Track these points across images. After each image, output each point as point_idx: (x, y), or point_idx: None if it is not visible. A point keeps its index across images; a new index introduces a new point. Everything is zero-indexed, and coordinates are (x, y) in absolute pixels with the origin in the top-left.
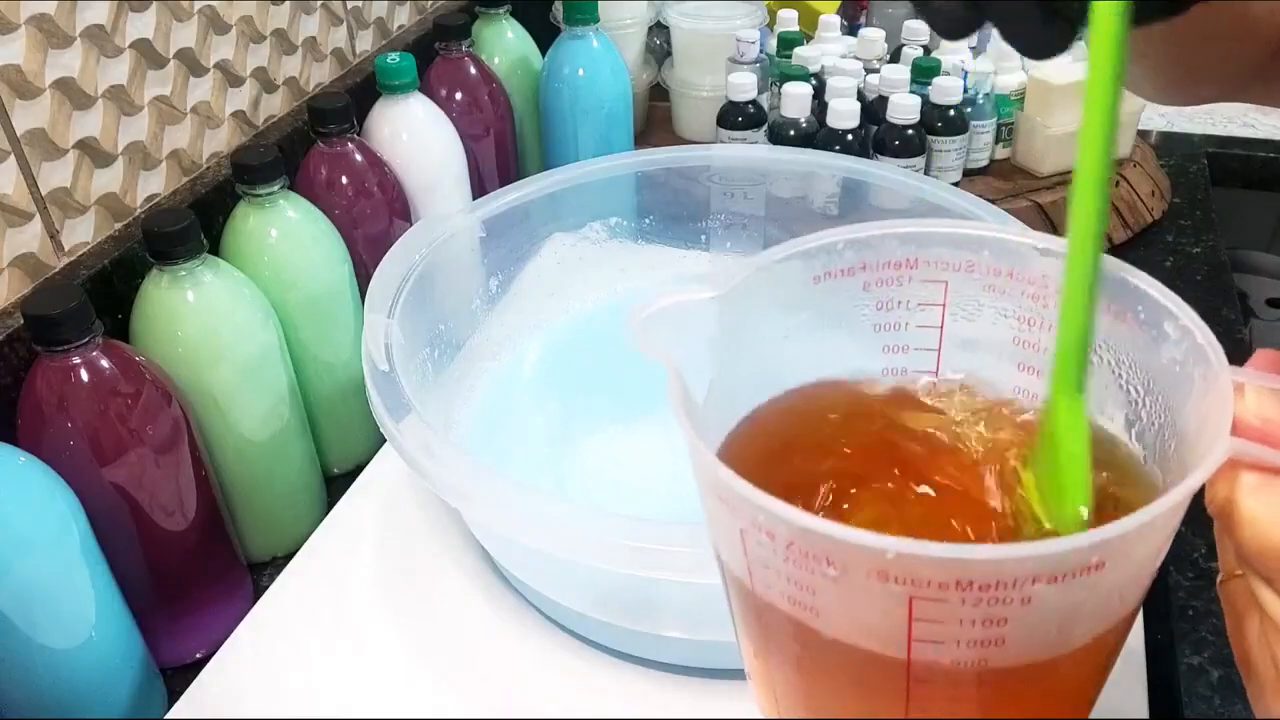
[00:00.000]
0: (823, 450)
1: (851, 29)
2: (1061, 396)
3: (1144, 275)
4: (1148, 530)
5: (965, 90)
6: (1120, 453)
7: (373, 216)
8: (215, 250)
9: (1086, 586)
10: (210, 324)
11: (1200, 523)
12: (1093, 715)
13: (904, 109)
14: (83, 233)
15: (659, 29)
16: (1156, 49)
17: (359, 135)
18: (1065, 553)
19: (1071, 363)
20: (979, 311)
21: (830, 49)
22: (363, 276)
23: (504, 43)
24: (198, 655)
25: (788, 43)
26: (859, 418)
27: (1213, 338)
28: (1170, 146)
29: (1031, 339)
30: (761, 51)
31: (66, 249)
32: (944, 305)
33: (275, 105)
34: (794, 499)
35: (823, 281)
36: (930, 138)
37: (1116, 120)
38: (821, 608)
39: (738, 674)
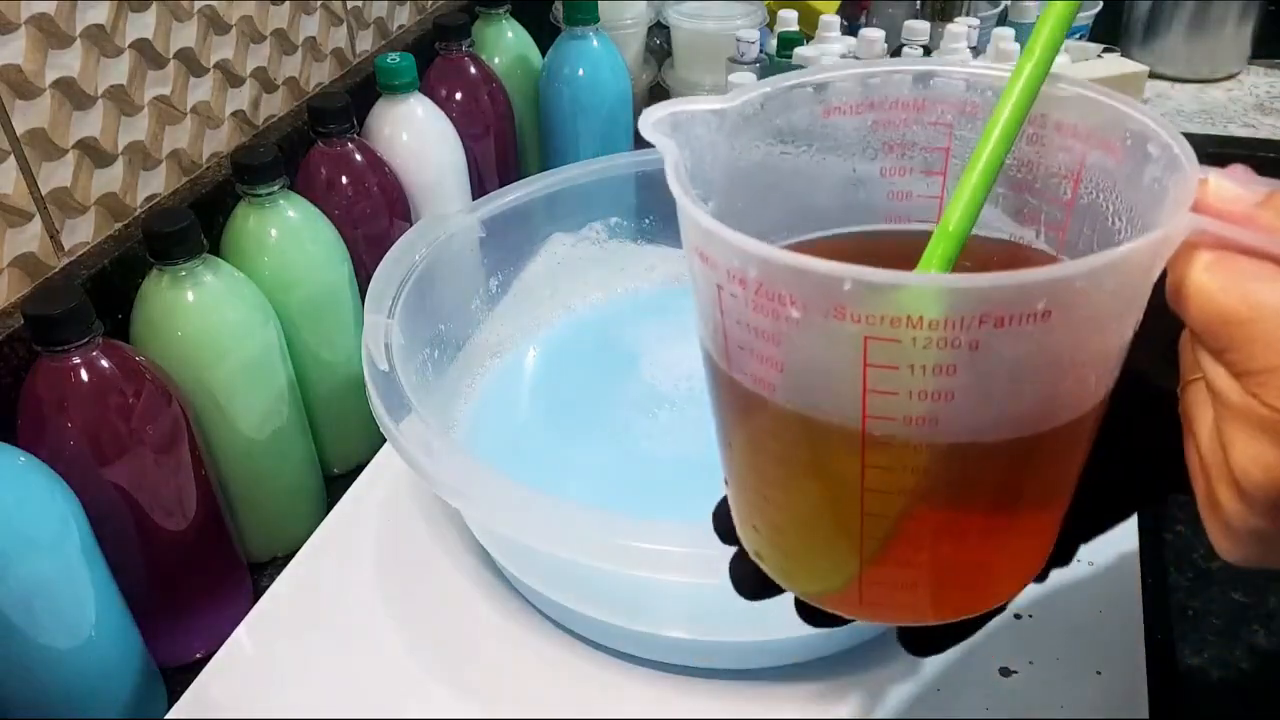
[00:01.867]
0: None
1: (851, 29)
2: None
3: (1129, 100)
4: (1096, 280)
5: None
6: None
7: (373, 216)
8: (215, 250)
9: (1035, 340)
10: (210, 324)
11: (1201, 522)
12: (1092, 716)
13: None
14: (83, 233)
15: (659, 29)
16: None
17: (359, 135)
18: (1005, 286)
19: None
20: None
21: (830, 49)
22: (363, 276)
23: (504, 43)
24: (198, 655)
25: (788, 43)
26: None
27: (1188, 146)
28: None
29: (1029, 180)
30: (761, 51)
31: (66, 249)
32: (947, 150)
33: (275, 105)
34: None
35: (833, 116)
36: None
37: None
38: (786, 363)
39: (738, 674)
